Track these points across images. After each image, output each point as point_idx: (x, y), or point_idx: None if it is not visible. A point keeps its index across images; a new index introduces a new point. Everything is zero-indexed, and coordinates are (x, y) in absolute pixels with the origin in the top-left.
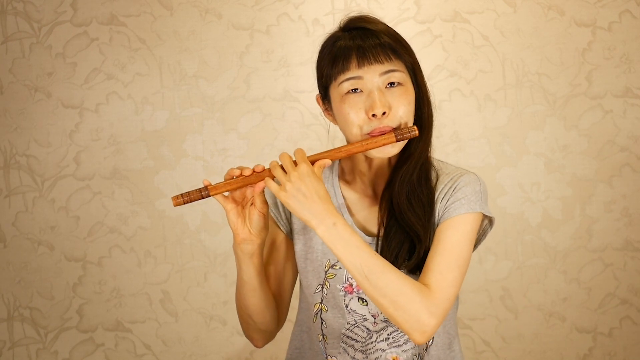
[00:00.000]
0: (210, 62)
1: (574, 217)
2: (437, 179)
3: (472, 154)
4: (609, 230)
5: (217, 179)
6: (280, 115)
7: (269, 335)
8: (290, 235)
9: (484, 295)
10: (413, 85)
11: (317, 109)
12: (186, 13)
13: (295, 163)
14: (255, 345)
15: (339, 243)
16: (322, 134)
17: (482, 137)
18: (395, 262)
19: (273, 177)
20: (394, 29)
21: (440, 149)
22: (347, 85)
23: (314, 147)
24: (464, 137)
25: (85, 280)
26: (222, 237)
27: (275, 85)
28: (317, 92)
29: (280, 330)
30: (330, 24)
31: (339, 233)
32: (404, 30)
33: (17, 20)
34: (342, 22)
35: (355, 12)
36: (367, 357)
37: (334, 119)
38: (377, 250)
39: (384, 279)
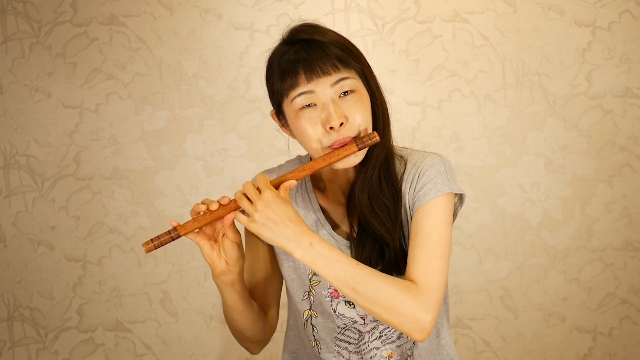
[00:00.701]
0: (210, 62)
1: (574, 217)
2: (404, 169)
3: (472, 154)
4: (609, 230)
5: (217, 179)
6: None
7: (263, 343)
8: (271, 246)
9: (484, 295)
10: (366, 89)
11: None
12: (186, 13)
13: (259, 190)
14: (252, 353)
15: (319, 262)
16: None
17: (482, 137)
18: (372, 265)
19: (237, 209)
20: (377, 30)
21: (440, 149)
22: (300, 101)
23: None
24: (464, 137)
25: (85, 280)
26: None
27: None
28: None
29: (280, 330)
30: (330, 24)
31: (317, 252)
32: (404, 30)
33: (17, 20)
34: (284, 34)
35: (297, 21)
36: (362, 358)
37: (291, 133)
38: (353, 255)
39: (372, 287)
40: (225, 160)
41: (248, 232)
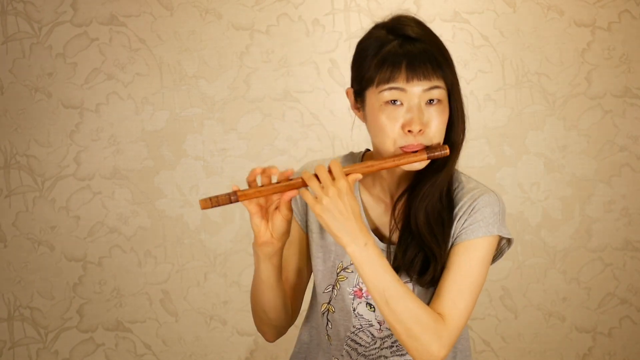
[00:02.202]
0: (210, 62)
1: (574, 217)
2: (457, 195)
3: (472, 154)
4: (609, 230)
5: (217, 179)
6: (280, 115)
7: (281, 331)
8: (305, 230)
9: (484, 295)
10: (449, 102)
11: (317, 108)
12: (186, 13)
13: (331, 176)
14: (267, 340)
15: (366, 265)
16: (322, 134)
17: (482, 137)
18: (409, 272)
19: (305, 186)
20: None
21: None
22: (389, 95)
23: (314, 147)
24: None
25: (85, 280)
26: (222, 237)
27: (275, 85)
28: (317, 90)
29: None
30: (330, 24)
31: (368, 254)
32: None
33: (17, 20)
34: (387, 22)
35: (401, 11)
36: None
37: (363, 117)
38: (390, 257)
39: (403, 306)
40: (225, 160)
41: None
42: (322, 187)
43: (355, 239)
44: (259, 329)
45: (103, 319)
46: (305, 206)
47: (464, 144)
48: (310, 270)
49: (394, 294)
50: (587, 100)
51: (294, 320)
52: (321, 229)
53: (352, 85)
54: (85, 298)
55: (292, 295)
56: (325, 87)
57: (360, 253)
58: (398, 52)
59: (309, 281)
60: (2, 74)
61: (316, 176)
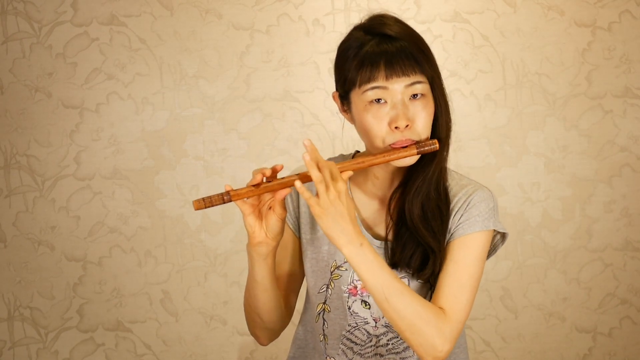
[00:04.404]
0: (211, 62)
1: (574, 217)
2: (452, 191)
3: (472, 154)
4: (609, 230)
5: (217, 179)
6: (280, 115)
7: (275, 334)
8: (298, 234)
9: (484, 295)
10: (433, 96)
11: (318, 108)
12: (186, 13)
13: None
14: (260, 344)
15: (363, 264)
16: (322, 134)
17: (482, 137)
18: (408, 268)
19: (291, 185)
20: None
21: None
22: (372, 94)
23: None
24: (464, 137)
25: (85, 280)
26: (222, 237)
27: (275, 85)
28: (317, 90)
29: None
30: (330, 24)
31: (364, 254)
32: None
33: (17, 20)
34: (365, 22)
35: (377, 11)
36: None
37: (351, 119)
38: (387, 255)
39: (403, 302)
40: (225, 160)
41: None
42: (324, 184)
43: (351, 240)
44: (252, 333)
45: (103, 319)
46: (297, 209)
47: (466, 143)
48: (302, 272)
49: (393, 291)
50: (588, 100)
51: (287, 323)
52: (312, 231)
53: (337, 89)
54: (85, 298)
55: (285, 298)
56: (325, 87)
57: (356, 254)
58: (376, 51)
59: (302, 284)
60: (2, 73)
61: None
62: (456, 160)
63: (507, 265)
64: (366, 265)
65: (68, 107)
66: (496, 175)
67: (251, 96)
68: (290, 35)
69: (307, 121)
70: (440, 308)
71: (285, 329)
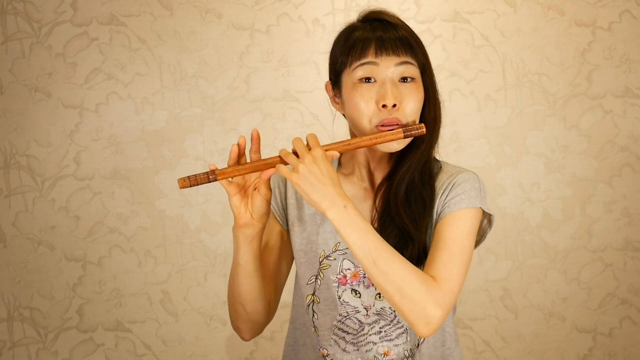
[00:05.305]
0: (210, 62)
1: (574, 217)
2: (439, 176)
3: (472, 154)
4: (609, 230)
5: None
6: (280, 115)
7: (258, 327)
8: (285, 227)
9: (484, 295)
10: (423, 83)
11: (317, 108)
12: (186, 13)
13: (308, 147)
14: (243, 338)
15: (349, 226)
16: (322, 134)
17: (482, 137)
18: None
19: (284, 163)
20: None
21: (440, 149)
22: (361, 73)
23: None
24: (464, 137)
25: (85, 280)
26: (222, 237)
27: (275, 85)
28: (317, 90)
29: (280, 330)
30: (331, 24)
31: (349, 216)
32: None
33: (17, 20)
34: (361, 14)
35: (374, 6)
36: (358, 350)
37: (341, 107)
38: None
39: (392, 265)
40: (225, 160)
41: None
42: (298, 158)
43: (333, 203)
44: (235, 327)
45: (103, 319)
46: (284, 200)
47: (466, 143)
48: (289, 266)
49: (381, 254)
50: (588, 100)
51: (271, 319)
52: (300, 222)
53: (330, 77)
54: (85, 298)
55: (271, 291)
56: (325, 87)
57: (340, 216)
58: (368, 34)
59: (287, 277)
60: (2, 73)
61: (295, 153)
62: (456, 160)
63: (507, 265)
64: (352, 227)
65: (68, 107)
66: (496, 175)
67: (251, 96)
68: (290, 35)
69: (307, 121)
70: (431, 276)
71: (282, 330)
